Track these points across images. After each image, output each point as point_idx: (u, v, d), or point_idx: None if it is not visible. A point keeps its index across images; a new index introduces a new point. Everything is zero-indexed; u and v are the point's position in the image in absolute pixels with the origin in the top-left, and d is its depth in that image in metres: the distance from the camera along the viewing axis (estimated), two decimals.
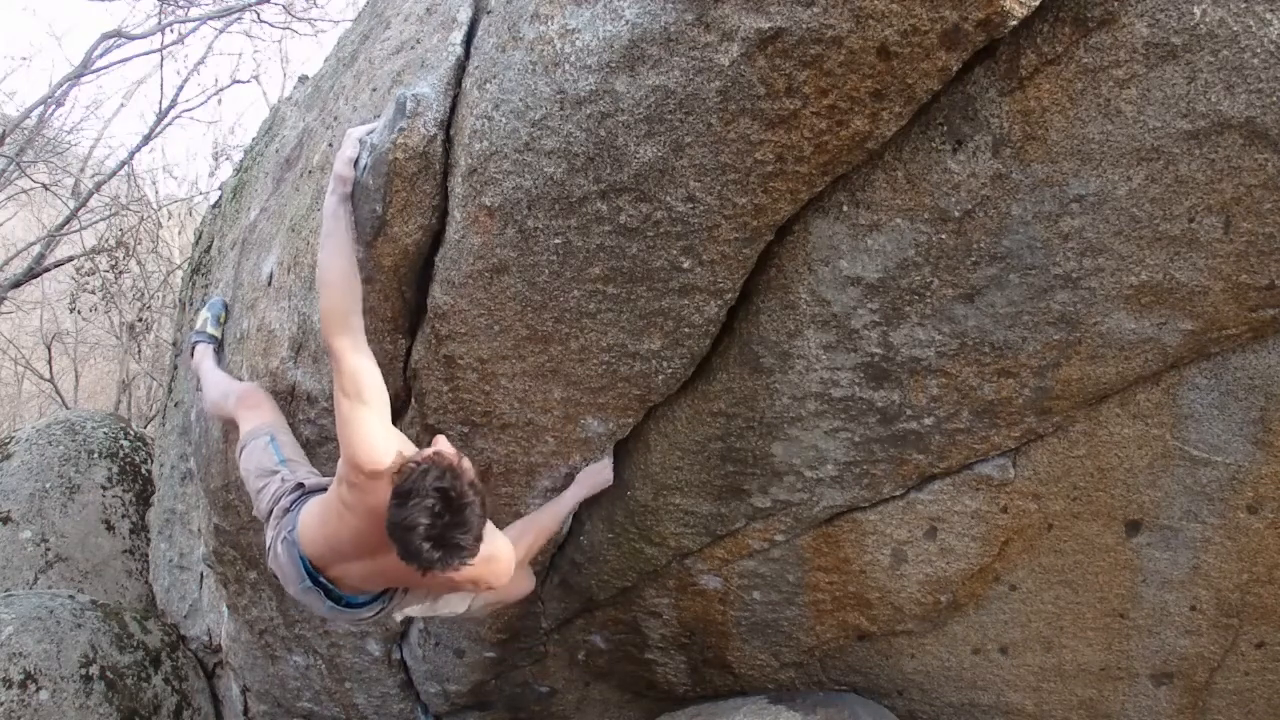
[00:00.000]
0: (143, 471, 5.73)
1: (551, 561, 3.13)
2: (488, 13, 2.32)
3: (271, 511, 2.63)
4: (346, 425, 2.30)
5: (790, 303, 2.37)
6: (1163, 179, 2.06)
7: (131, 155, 9.52)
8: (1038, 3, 1.88)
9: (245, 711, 4.36)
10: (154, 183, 11.32)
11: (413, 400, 2.77)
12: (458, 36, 2.35)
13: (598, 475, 2.79)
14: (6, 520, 5.31)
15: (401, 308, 2.59)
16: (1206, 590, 2.65)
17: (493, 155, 2.22)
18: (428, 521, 2.11)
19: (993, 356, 2.36)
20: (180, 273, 9.06)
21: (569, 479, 2.82)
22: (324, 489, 2.54)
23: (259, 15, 9.11)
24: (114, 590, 5.31)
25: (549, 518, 2.79)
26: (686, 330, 2.42)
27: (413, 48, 2.53)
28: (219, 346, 3.37)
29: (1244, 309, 2.23)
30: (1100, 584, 2.72)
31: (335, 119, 2.87)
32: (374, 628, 3.56)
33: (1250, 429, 2.40)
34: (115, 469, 5.64)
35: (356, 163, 2.41)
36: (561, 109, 2.11)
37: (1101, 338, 2.30)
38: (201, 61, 9.91)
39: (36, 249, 8.92)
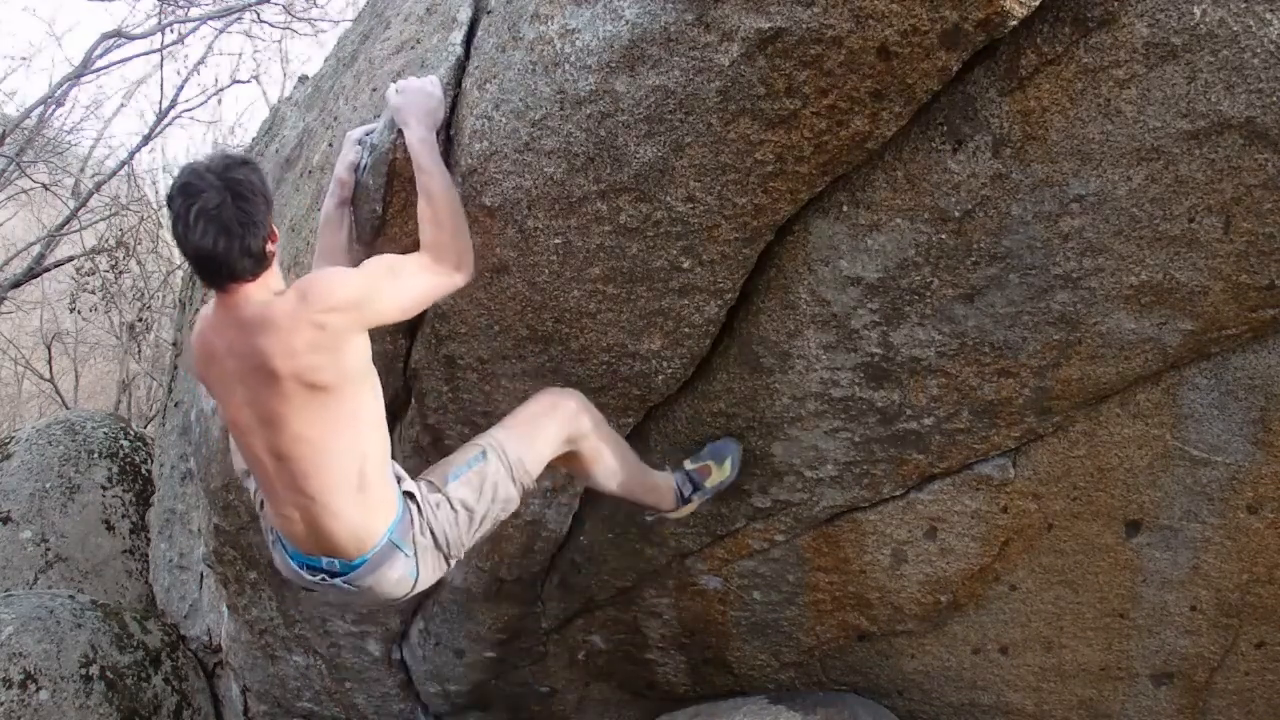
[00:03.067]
0: (143, 471, 5.73)
1: (551, 561, 3.13)
2: (488, 13, 2.32)
3: None
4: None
5: (790, 303, 2.37)
6: (1163, 179, 2.06)
7: (131, 155, 9.53)
8: (1038, 3, 1.88)
9: (245, 711, 4.36)
10: (154, 183, 11.30)
11: (413, 400, 2.77)
12: (458, 36, 2.34)
13: (421, 93, 2.25)
14: (6, 520, 5.31)
15: None
16: (1206, 590, 2.65)
17: (492, 155, 2.22)
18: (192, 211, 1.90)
19: (993, 356, 2.36)
20: (180, 273, 9.06)
21: (569, 478, 2.81)
22: None
23: (259, 15, 9.10)
24: (114, 590, 5.30)
25: (425, 193, 2.20)
26: (686, 330, 2.42)
27: (413, 48, 2.53)
28: None
29: (1244, 309, 2.22)
30: (1100, 584, 2.71)
31: (335, 119, 2.87)
32: (375, 627, 3.56)
33: (1250, 429, 2.40)
34: (115, 469, 5.64)
35: (356, 164, 2.41)
36: (561, 109, 2.11)
37: (1101, 338, 2.30)
38: (201, 61, 9.89)
39: (36, 249, 8.92)
